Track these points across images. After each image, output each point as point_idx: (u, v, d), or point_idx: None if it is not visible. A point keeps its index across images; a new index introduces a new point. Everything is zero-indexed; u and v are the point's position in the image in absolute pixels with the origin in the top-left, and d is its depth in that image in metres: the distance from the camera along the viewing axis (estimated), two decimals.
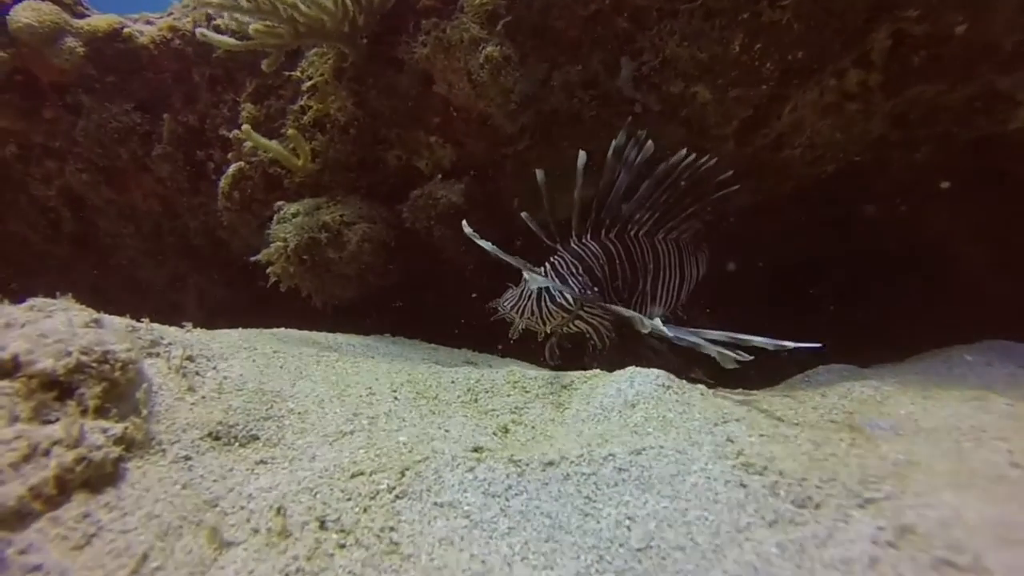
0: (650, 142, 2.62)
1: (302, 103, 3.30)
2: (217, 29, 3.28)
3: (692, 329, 2.09)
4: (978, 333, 2.79)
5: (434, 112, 3.15)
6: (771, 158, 3.09)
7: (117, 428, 1.16)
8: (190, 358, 1.50)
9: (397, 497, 1.19)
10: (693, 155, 2.69)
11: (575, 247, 2.67)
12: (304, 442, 1.35)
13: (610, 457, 1.28)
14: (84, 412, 1.15)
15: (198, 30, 2.82)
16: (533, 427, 1.57)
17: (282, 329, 2.37)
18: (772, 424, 1.46)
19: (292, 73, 3.35)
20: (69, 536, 0.99)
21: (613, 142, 2.62)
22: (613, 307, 2.34)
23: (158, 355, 1.46)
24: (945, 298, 3.76)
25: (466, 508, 1.17)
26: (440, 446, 1.36)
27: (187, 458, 1.23)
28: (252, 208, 3.53)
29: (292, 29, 2.79)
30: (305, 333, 2.41)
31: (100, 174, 3.85)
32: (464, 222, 2.33)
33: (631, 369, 1.68)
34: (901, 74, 2.69)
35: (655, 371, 1.63)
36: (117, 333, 1.30)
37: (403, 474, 1.24)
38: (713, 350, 1.95)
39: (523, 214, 2.67)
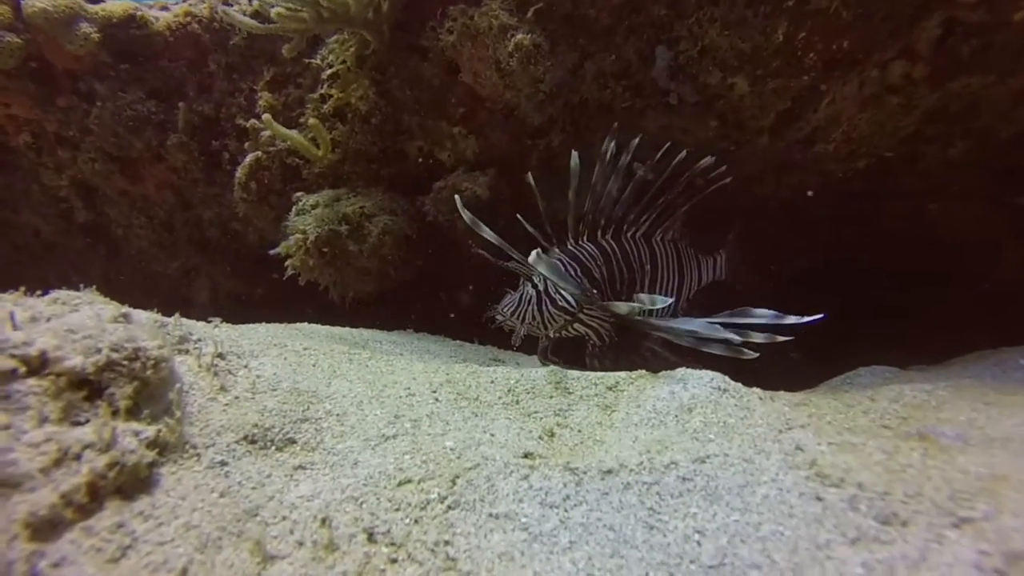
0: (636, 140, 2.61)
1: (322, 91, 3.22)
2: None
3: (696, 318, 2.07)
4: (1013, 336, 2.70)
5: (458, 102, 3.07)
6: (803, 152, 3.00)
7: (150, 431, 1.08)
8: (221, 355, 1.42)
9: (449, 508, 1.11)
10: (684, 152, 2.64)
11: (572, 248, 2.60)
12: (344, 446, 1.27)
13: (672, 465, 1.20)
14: (115, 413, 1.07)
15: (219, 8, 2.73)
16: (580, 431, 1.48)
17: (305, 324, 2.29)
18: (837, 431, 1.38)
19: (312, 60, 3.26)
20: (103, 548, 0.91)
21: (603, 147, 2.60)
22: (614, 304, 2.28)
23: (188, 352, 1.39)
24: (979, 299, 3.66)
25: (523, 520, 1.09)
26: (489, 452, 1.28)
27: (223, 463, 1.15)
28: (269, 199, 3.46)
29: (315, 14, 2.70)
30: (330, 328, 2.33)
31: (113, 163, 3.77)
32: (460, 203, 2.32)
33: (682, 371, 1.60)
34: (948, 66, 2.59)
35: (709, 373, 1.55)
36: (147, 329, 1.22)
37: (454, 482, 1.16)
38: (720, 344, 1.93)
39: (517, 216, 2.60)
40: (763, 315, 1.94)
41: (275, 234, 3.42)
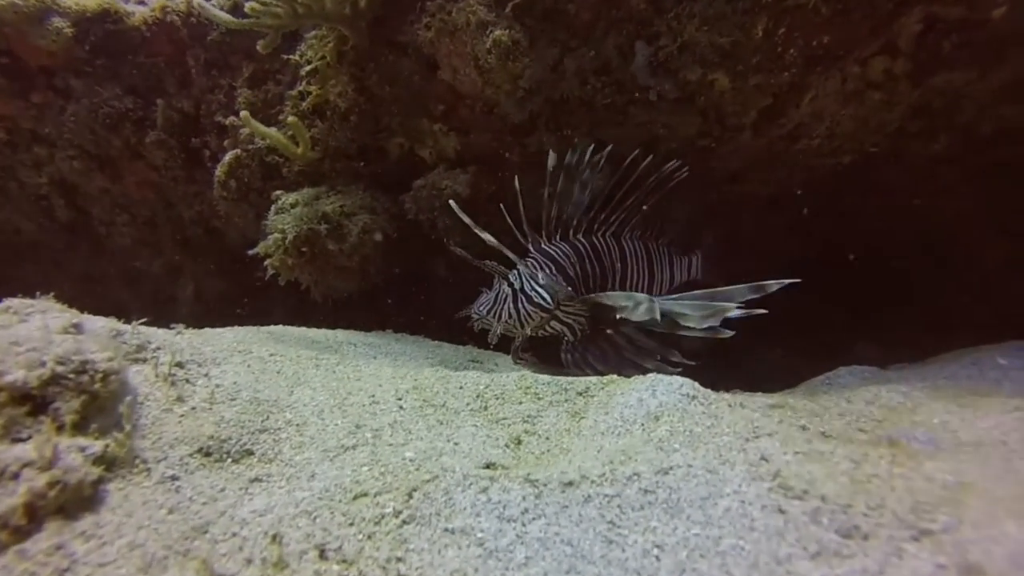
0: (609, 147, 2.68)
1: (301, 88, 3.17)
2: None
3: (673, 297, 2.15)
4: (996, 332, 2.70)
5: (438, 99, 3.02)
6: (786, 149, 2.97)
7: (97, 446, 1.06)
8: (179, 364, 1.39)
9: (404, 522, 1.08)
10: (650, 156, 2.73)
11: (546, 248, 2.61)
12: (302, 458, 1.25)
13: (635, 477, 1.18)
14: (60, 428, 1.04)
15: (196, 1, 2.68)
16: (547, 438, 1.46)
17: (279, 327, 2.26)
18: (806, 439, 1.36)
19: (291, 57, 3.21)
20: (38, 572, 0.89)
21: (566, 156, 2.67)
22: (601, 295, 2.29)
23: (145, 361, 1.36)
24: (961, 295, 3.66)
25: (480, 535, 1.07)
26: (450, 462, 1.26)
27: (174, 478, 1.13)
28: (249, 197, 3.41)
29: (290, 9, 2.65)
30: (303, 331, 2.30)
31: (92, 161, 3.72)
32: (452, 201, 2.40)
33: (652, 377, 1.58)
34: (929, 61, 2.56)
35: (678, 379, 1.52)
36: (99, 339, 1.19)
37: (411, 495, 1.14)
38: (698, 324, 2.05)
39: (500, 205, 2.61)
40: (739, 290, 2.00)
41: (256, 233, 3.38)
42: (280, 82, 3.32)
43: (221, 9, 3.06)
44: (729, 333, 2.06)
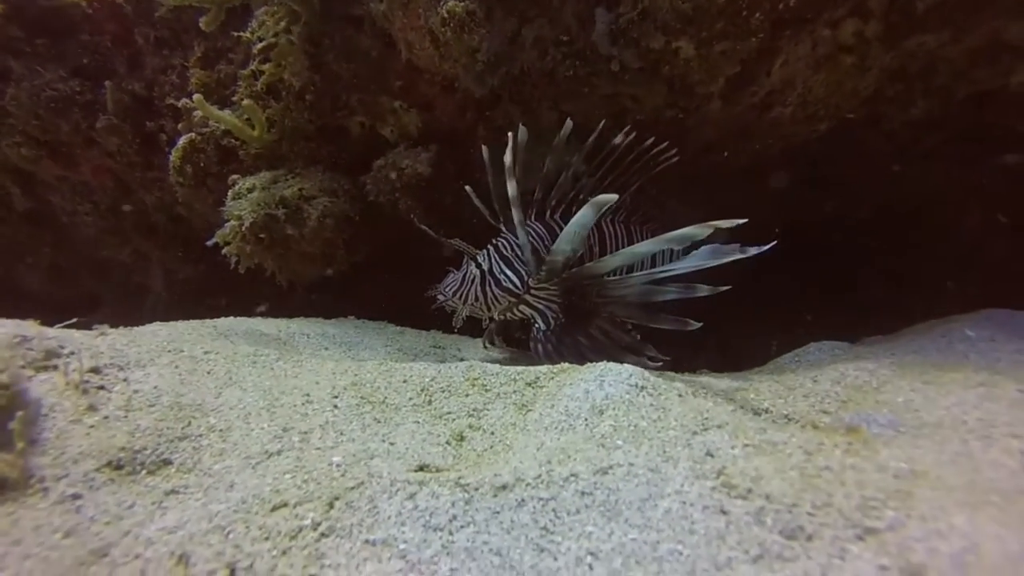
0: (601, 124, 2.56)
1: (254, 67, 3.03)
2: None
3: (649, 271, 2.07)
4: (976, 298, 2.65)
5: (396, 75, 2.90)
6: (760, 117, 2.88)
7: None
8: (95, 370, 1.31)
9: (323, 535, 1.02)
10: (633, 134, 2.62)
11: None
12: (222, 466, 1.17)
13: (572, 478, 1.12)
14: None
15: None
16: (492, 433, 1.40)
17: (227, 319, 2.17)
18: (759, 428, 1.29)
19: (242, 34, 3.07)
20: None
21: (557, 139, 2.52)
22: (604, 259, 2.19)
23: (55, 368, 1.27)
24: (940, 262, 3.61)
25: (402, 546, 1.00)
26: (379, 466, 1.19)
27: (75, 496, 1.05)
28: (207, 183, 3.29)
29: None
30: (253, 323, 2.21)
31: (41, 148, 3.57)
32: (468, 187, 2.48)
33: (602, 366, 1.51)
34: (901, 23, 2.46)
35: (628, 368, 1.45)
36: None
37: (332, 505, 1.07)
38: (670, 320, 2.03)
39: (466, 188, 2.51)
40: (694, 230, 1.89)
41: (217, 219, 3.27)
42: (232, 61, 3.19)
43: None
44: (697, 325, 2.00)
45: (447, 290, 2.40)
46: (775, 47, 2.48)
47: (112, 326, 1.68)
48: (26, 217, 4.49)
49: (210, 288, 4.27)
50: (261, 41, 3.00)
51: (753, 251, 1.81)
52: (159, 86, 3.46)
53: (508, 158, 2.16)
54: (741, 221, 1.70)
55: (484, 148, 2.52)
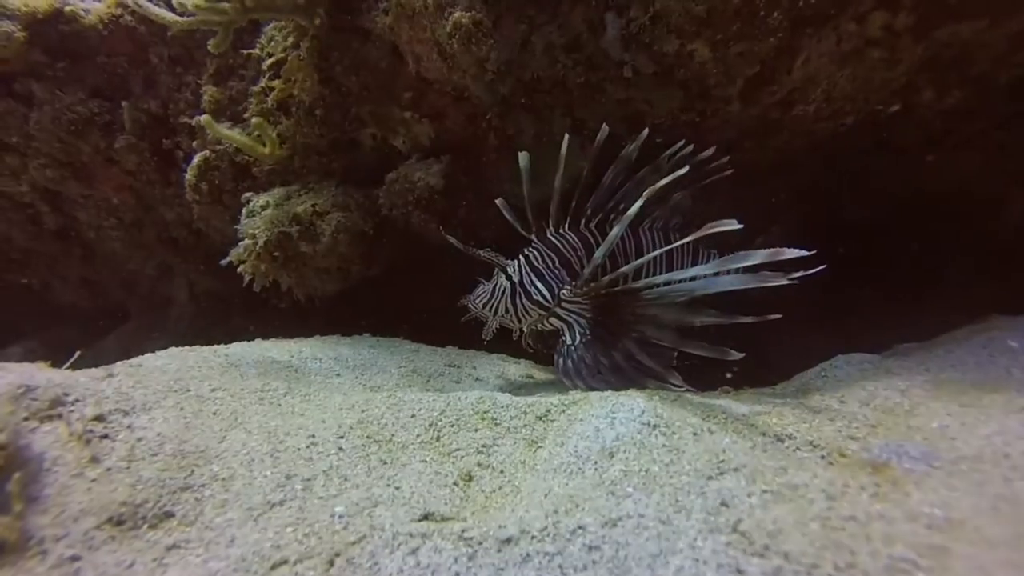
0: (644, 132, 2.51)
1: (264, 84, 3.03)
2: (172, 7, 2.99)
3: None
4: (1019, 294, 2.52)
5: (406, 86, 2.86)
6: (782, 117, 2.76)
7: None
8: (99, 418, 1.30)
9: None
10: (691, 146, 2.59)
11: (551, 238, 2.44)
12: (224, 519, 1.16)
13: (579, 531, 1.07)
14: None
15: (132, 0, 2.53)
16: (501, 472, 1.36)
17: (239, 346, 2.16)
18: (779, 469, 1.22)
19: (251, 51, 3.06)
20: None
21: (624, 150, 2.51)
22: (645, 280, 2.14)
23: (59, 418, 1.27)
24: (982, 257, 3.45)
25: None
26: (382, 516, 1.16)
27: (74, 558, 1.04)
28: (223, 199, 3.31)
29: (238, 4, 2.49)
30: (265, 348, 2.20)
31: (65, 169, 3.64)
32: (498, 200, 2.44)
33: (613, 401, 1.45)
34: (933, 13, 2.33)
35: (641, 404, 1.39)
36: None
37: (332, 563, 1.04)
38: (703, 346, 1.95)
39: (497, 201, 2.46)
40: (760, 254, 1.78)
41: (234, 234, 3.29)
42: (244, 77, 3.18)
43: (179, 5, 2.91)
44: (739, 355, 1.91)
45: (477, 302, 2.38)
46: (796, 45, 2.37)
47: (131, 345, 1.68)
48: (56, 234, 4.60)
49: (232, 299, 4.33)
50: (270, 57, 2.99)
51: (799, 276, 1.73)
52: (174, 104, 3.49)
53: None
54: (737, 226, 1.65)
55: (520, 155, 2.46)
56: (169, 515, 1.17)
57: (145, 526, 1.14)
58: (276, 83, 2.95)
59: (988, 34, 2.46)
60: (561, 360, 2.33)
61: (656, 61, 2.36)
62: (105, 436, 1.28)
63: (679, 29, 2.24)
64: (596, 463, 1.23)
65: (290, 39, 2.89)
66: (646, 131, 2.47)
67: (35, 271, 4.97)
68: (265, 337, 2.67)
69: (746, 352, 2.16)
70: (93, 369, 1.52)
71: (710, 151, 2.65)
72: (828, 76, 2.56)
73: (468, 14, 2.39)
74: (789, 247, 1.73)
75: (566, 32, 2.41)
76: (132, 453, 1.26)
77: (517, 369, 2.45)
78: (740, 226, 1.68)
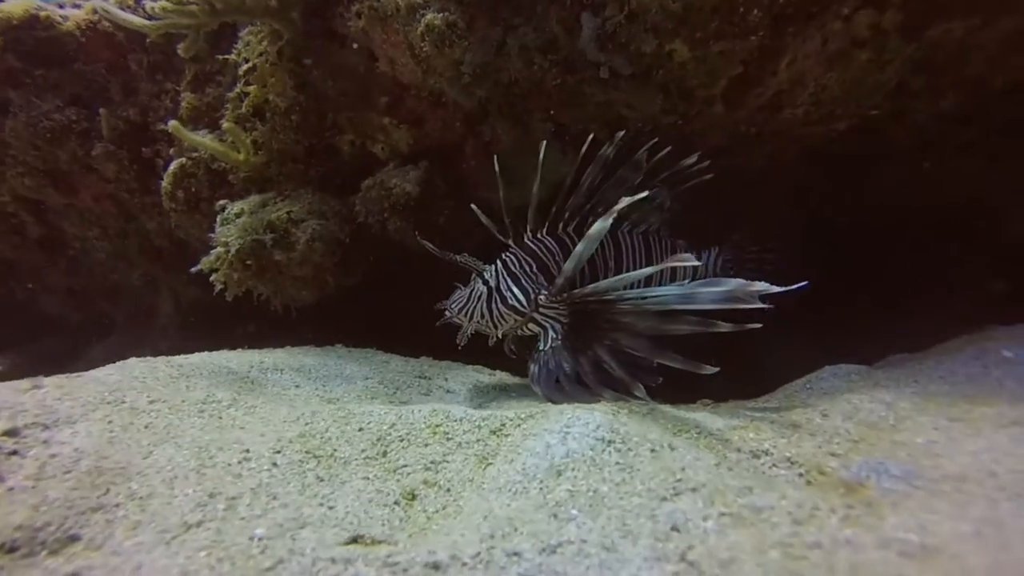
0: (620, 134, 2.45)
1: (239, 89, 2.97)
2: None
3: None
4: (1018, 308, 2.41)
5: (382, 91, 2.79)
6: (769, 120, 2.68)
7: None
8: (10, 432, 1.21)
9: None
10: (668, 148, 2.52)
11: (529, 243, 2.37)
12: (133, 543, 1.06)
13: (515, 558, 0.97)
14: None
15: (98, 5, 2.48)
16: (448, 490, 1.25)
17: (198, 356, 2.08)
18: (742, 489, 1.12)
19: (227, 57, 3.01)
20: None
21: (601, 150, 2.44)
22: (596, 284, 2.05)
23: None
24: (979, 263, 3.34)
25: None
26: (306, 540, 1.06)
27: None
28: (200, 207, 3.24)
29: (207, 6, 2.43)
30: (226, 358, 2.11)
31: (43, 178, 3.59)
32: (473, 205, 2.38)
33: (570, 414, 1.35)
34: (923, 11, 2.24)
35: (598, 418, 1.29)
36: None
37: None
38: (675, 358, 1.85)
39: (472, 206, 2.39)
40: (732, 283, 1.73)
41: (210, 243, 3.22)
42: (220, 84, 3.13)
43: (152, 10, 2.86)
44: (713, 370, 1.81)
45: (453, 307, 2.32)
46: (780, 45, 2.28)
47: (116, 349, 1.60)
48: (40, 243, 4.55)
49: (217, 308, 4.25)
50: (247, 62, 2.93)
51: (781, 291, 1.64)
52: (153, 111, 3.44)
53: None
54: (696, 263, 1.70)
55: (496, 159, 2.41)
56: (74, 539, 1.07)
57: (44, 552, 1.04)
58: (251, 88, 2.89)
59: (981, 34, 2.37)
60: (535, 367, 2.25)
61: (633, 61, 2.29)
62: (14, 452, 1.20)
63: (656, 28, 2.17)
64: (542, 482, 1.13)
65: (264, 43, 2.83)
66: (622, 132, 2.41)
67: (21, 282, 4.93)
68: (252, 347, 2.59)
69: (739, 367, 2.07)
70: (18, 381, 1.43)
71: (693, 157, 2.58)
72: (816, 78, 2.48)
73: (441, 15, 2.32)
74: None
75: (541, 33, 2.34)
76: (42, 471, 1.17)
77: (491, 380, 2.35)
78: (699, 263, 1.63)
